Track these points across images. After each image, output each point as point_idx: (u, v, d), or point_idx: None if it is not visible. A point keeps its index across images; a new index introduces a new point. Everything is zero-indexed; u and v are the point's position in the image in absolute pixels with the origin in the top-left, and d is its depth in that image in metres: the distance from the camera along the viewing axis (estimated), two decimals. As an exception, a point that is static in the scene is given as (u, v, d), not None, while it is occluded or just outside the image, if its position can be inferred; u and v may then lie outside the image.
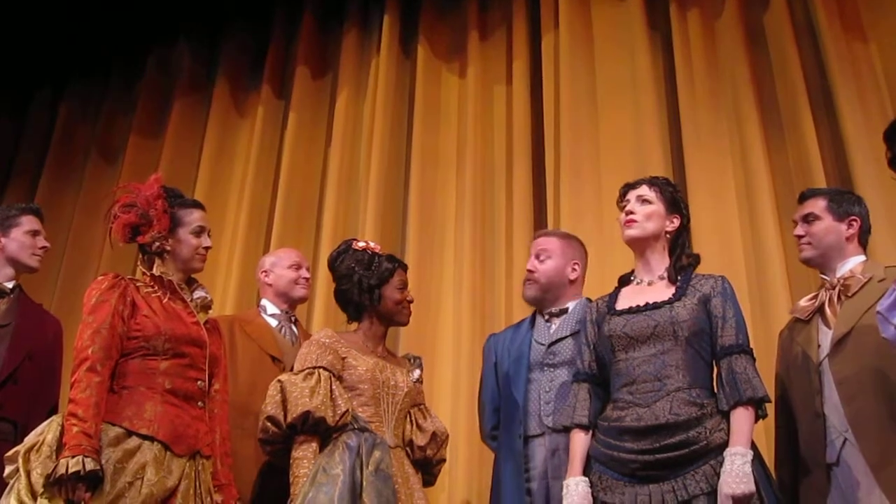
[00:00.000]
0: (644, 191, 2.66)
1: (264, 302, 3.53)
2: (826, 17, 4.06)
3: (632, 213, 2.64)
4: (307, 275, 3.57)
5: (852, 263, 2.62)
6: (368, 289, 2.93)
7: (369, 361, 2.84)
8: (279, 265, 3.54)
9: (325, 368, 2.74)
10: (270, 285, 3.53)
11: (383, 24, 5.14)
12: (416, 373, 2.95)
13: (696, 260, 2.68)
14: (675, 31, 4.39)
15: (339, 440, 2.64)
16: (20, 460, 2.34)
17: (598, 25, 4.67)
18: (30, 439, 2.40)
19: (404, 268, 3.05)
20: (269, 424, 2.68)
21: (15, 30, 5.69)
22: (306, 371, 2.74)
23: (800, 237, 2.69)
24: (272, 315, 3.47)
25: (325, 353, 2.80)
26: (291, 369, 2.90)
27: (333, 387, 2.71)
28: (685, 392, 2.38)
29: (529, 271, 3.06)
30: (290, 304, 3.53)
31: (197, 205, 2.84)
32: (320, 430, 2.64)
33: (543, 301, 3.05)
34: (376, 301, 2.94)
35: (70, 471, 2.22)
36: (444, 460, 2.92)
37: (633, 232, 2.63)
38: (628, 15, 4.57)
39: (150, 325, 2.55)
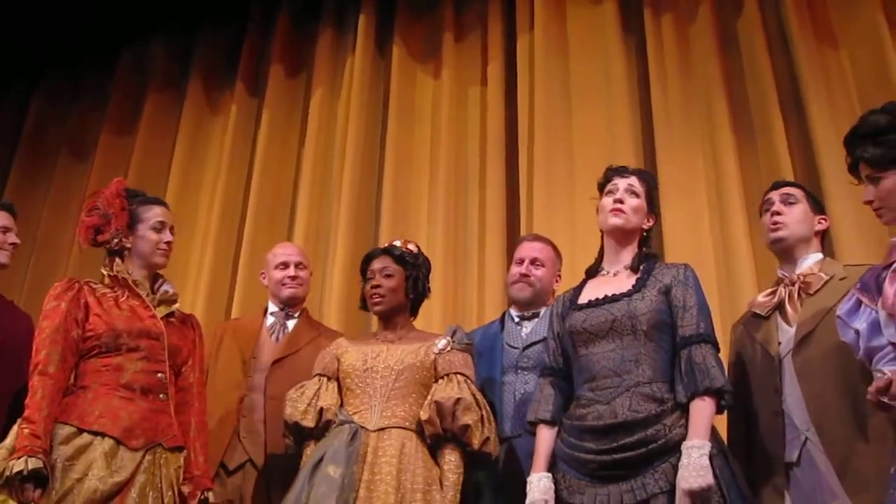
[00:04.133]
0: (635, 183, 2.61)
1: (269, 300, 3.52)
2: (798, 23, 4.10)
3: (621, 202, 2.57)
4: (293, 273, 3.44)
5: (811, 261, 2.59)
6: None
7: (358, 353, 2.87)
8: (270, 264, 3.51)
9: (319, 375, 2.89)
10: (266, 286, 3.54)
11: (359, 24, 5.13)
12: (441, 343, 2.85)
13: (656, 257, 2.65)
14: (649, 35, 4.42)
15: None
16: None
17: (573, 28, 4.69)
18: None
19: (378, 255, 3.01)
20: (285, 439, 2.89)
21: (-14, 24, 5.63)
22: (300, 383, 2.90)
23: (776, 214, 2.62)
24: (272, 314, 3.46)
25: (322, 360, 2.95)
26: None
27: (321, 389, 2.83)
28: (645, 386, 2.32)
29: (524, 275, 3.11)
30: (284, 302, 3.45)
31: (158, 201, 2.84)
32: (306, 435, 2.80)
33: (530, 305, 3.11)
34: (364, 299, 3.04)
35: (14, 471, 2.27)
36: (468, 425, 2.65)
37: (618, 221, 2.56)
38: (603, 18, 4.59)
39: (100, 324, 2.57)
